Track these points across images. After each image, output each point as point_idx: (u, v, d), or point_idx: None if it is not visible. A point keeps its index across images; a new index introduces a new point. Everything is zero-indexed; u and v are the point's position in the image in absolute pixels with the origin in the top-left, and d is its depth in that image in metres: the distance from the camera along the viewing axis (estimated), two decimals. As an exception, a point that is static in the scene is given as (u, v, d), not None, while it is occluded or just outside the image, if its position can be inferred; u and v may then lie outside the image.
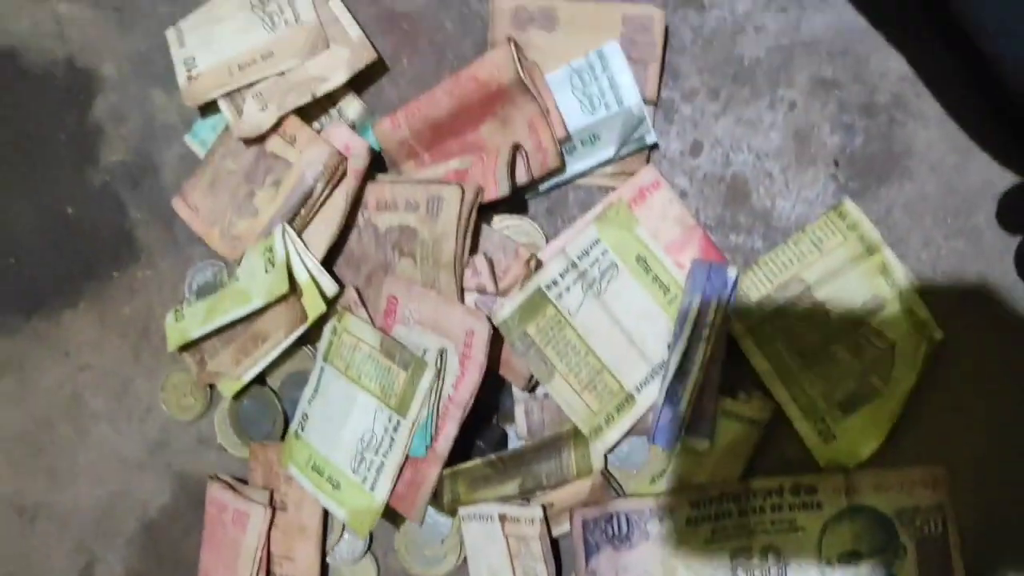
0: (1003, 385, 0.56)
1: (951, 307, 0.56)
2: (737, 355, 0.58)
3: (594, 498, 0.58)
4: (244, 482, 0.66)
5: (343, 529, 0.64)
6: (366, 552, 0.64)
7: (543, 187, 0.61)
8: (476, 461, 0.57)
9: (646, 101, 0.59)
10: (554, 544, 0.59)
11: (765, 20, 0.59)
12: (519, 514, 0.58)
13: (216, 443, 0.68)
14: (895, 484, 0.54)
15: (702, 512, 0.55)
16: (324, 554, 0.64)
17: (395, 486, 0.58)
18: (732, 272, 0.54)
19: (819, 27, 0.58)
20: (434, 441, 0.56)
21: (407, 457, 0.57)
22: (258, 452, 0.65)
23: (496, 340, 0.57)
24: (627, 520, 0.55)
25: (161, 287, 0.69)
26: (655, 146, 0.59)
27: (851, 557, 0.55)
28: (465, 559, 0.62)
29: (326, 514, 0.64)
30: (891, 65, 0.58)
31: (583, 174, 0.60)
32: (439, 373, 0.56)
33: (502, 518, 0.58)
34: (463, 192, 0.56)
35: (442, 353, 0.56)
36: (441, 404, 0.56)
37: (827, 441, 0.56)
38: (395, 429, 0.57)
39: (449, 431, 0.56)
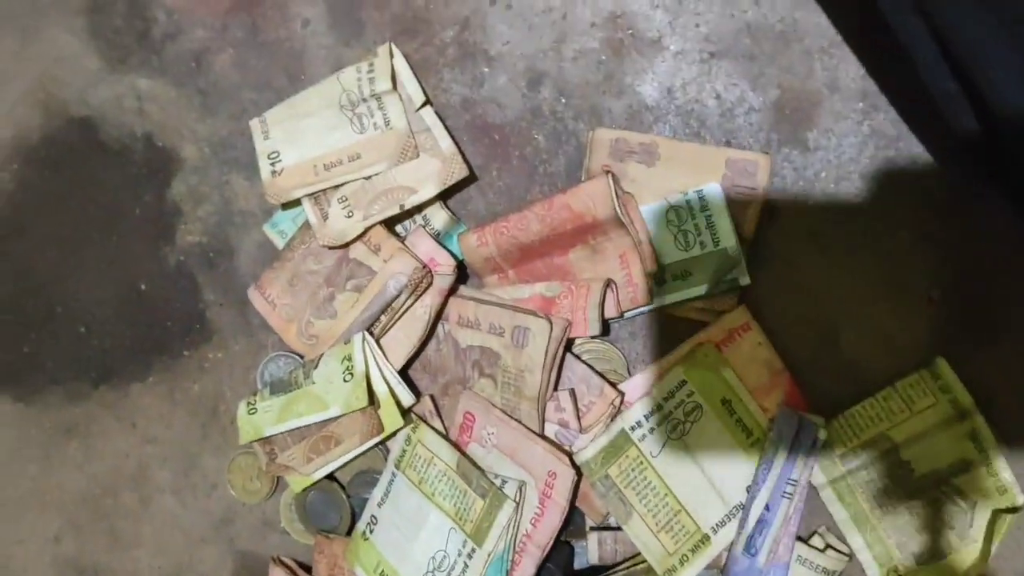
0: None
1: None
2: (814, 499, 0.56)
3: (663, 632, 0.57)
4: (307, 568, 0.65)
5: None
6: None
7: (629, 314, 0.59)
8: None
9: (742, 239, 0.56)
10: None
11: (871, 167, 0.56)
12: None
13: (280, 527, 0.67)
14: None
15: None
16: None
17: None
18: (822, 435, 0.53)
19: (929, 172, 0.55)
20: (509, 573, 0.55)
21: (484, 584, 0.56)
22: (323, 545, 0.64)
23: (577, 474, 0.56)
24: None
25: (232, 370, 0.67)
26: (746, 286, 0.57)
27: None
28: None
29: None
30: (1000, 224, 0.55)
31: (670, 305, 0.58)
32: (518, 507, 0.55)
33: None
34: (551, 327, 0.55)
35: (521, 488, 0.55)
36: (518, 540, 0.55)
37: None
38: (469, 556, 0.56)
39: (525, 569, 0.56)
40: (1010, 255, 0.55)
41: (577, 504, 0.58)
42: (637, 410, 0.56)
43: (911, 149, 0.56)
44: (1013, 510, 0.54)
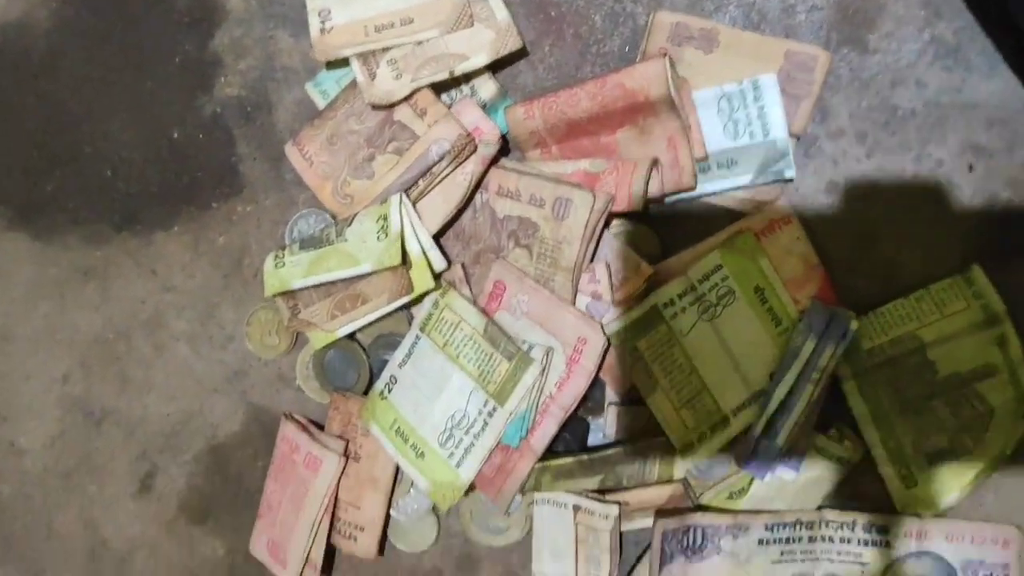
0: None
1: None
2: (834, 391, 0.56)
3: (671, 504, 0.57)
4: (319, 426, 0.64)
5: (411, 484, 0.62)
6: (430, 510, 0.63)
7: (669, 199, 0.57)
8: (567, 459, 0.56)
9: (791, 134, 0.55)
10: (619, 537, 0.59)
11: (927, 75, 0.55)
12: (594, 508, 0.57)
13: (295, 384, 0.65)
14: (967, 536, 0.54)
15: (775, 535, 0.55)
16: (390, 505, 0.62)
17: (482, 468, 0.55)
18: (853, 325, 0.52)
19: (982, 93, 0.55)
20: (530, 435, 0.55)
21: (498, 443, 0.55)
22: (339, 402, 0.63)
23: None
24: (702, 534, 0.55)
25: (260, 224, 0.65)
26: (790, 180, 0.55)
27: None
28: (527, 534, 0.61)
29: (397, 469, 0.62)
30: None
31: (712, 194, 0.56)
32: (544, 371, 0.54)
33: (576, 508, 0.58)
34: (594, 199, 0.53)
35: (549, 352, 0.54)
36: (542, 401, 0.54)
37: (908, 487, 0.55)
38: (490, 414, 0.55)
39: (547, 429, 0.55)
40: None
41: (601, 375, 0.57)
42: (671, 289, 0.55)
43: (969, 60, 0.55)
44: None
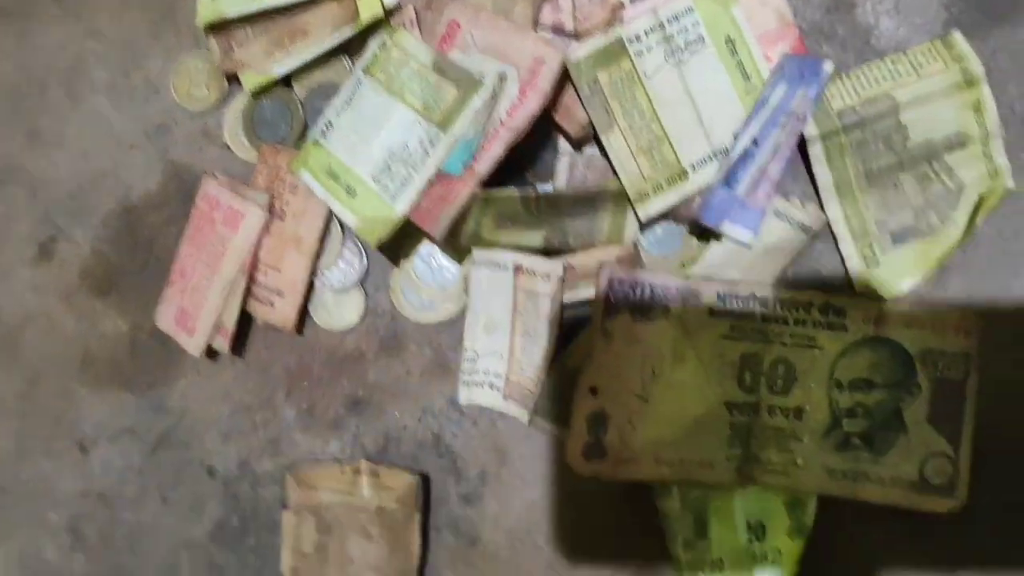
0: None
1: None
2: (797, 164, 0.52)
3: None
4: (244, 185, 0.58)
5: (340, 252, 0.56)
6: (358, 283, 0.57)
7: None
8: (512, 191, 0.50)
9: None
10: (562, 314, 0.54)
11: None
12: (536, 267, 0.52)
13: (222, 141, 0.60)
14: (926, 323, 0.50)
15: (727, 306, 0.50)
16: (313, 273, 0.57)
17: (421, 201, 0.50)
18: (828, 67, 0.48)
19: None
20: (475, 160, 0.49)
21: (440, 173, 0.50)
22: (267, 155, 0.57)
23: (560, 82, 0.49)
24: (651, 291, 0.50)
25: (200, -35, 0.59)
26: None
27: (863, 385, 0.50)
28: (460, 313, 0.55)
29: (324, 231, 0.56)
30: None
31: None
32: (495, 95, 0.49)
33: (517, 268, 0.52)
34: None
35: (502, 76, 0.49)
36: (490, 127, 0.49)
37: (869, 266, 0.51)
38: (431, 143, 0.50)
39: (494, 152, 0.49)
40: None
41: (557, 119, 0.52)
42: (639, 24, 0.51)
43: None
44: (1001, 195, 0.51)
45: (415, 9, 0.55)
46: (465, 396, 0.56)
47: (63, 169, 0.62)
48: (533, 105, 0.49)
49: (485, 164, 0.50)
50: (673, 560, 0.52)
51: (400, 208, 0.51)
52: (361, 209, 0.52)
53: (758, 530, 0.52)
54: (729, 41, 0.51)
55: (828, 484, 0.52)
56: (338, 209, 0.53)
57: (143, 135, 0.61)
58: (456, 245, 0.53)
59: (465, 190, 0.50)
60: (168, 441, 0.61)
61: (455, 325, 0.57)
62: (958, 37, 0.51)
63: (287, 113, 0.58)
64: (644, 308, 0.51)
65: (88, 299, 0.62)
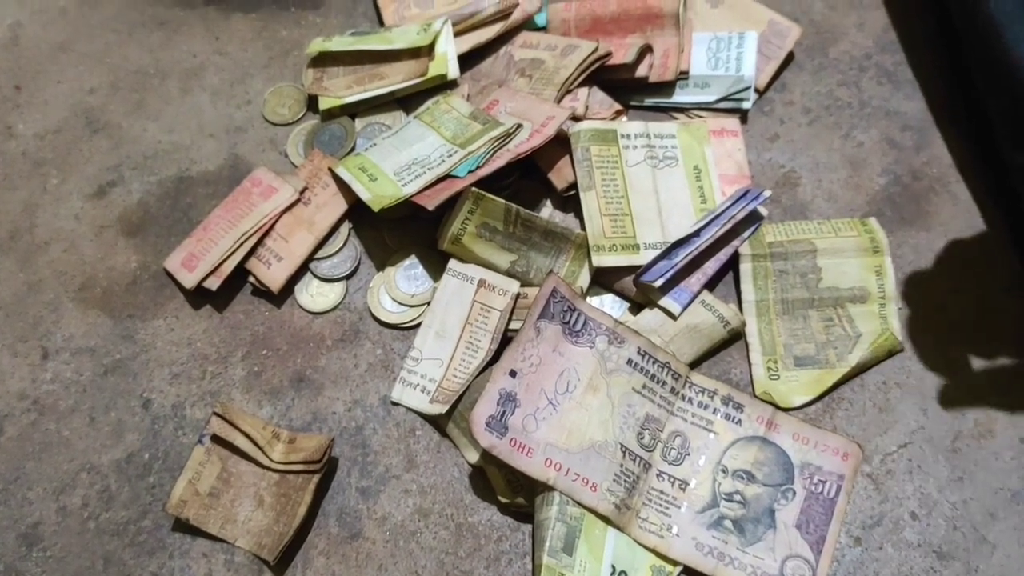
0: (943, 406, 0.57)
1: (922, 328, 0.58)
2: (731, 279, 0.59)
3: (562, 310, 0.57)
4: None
5: (339, 247, 0.63)
6: (343, 279, 0.63)
7: (648, 101, 0.65)
8: (500, 200, 0.57)
9: (755, 89, 0.65)
10: (504, 336, 0.58)
11: (868, 87, 0.66)
12: (497, 283, 0.57)
13: (283, 149, 0.69)
14: (811, 439, 0.54)
15: (644, 363, 0.54)
16: (312, 256, 0.63)
17: (425, 189, 0.57)
18: (767, 192, 0.58)
19: (905, 106, 0.65)
20: (479, 169, 0.57)
21: (449, 176, 0.58)
22: (315, 157, 0.65)
23: (557, 152, 0.59)
24: (584, 322, 0.55)
25: (320, 32, 0.73)
26: (744, 119, 0.64)
27: (745, 476, 0.53)
28: (418, 325, 0.60)
29: (335, 227, 0.63)
30: (944, 152, 0.64)
31: (682, 108, 0.65)
32: (509, 133, 0.58)
33: (481, 283, 0.58)
34: (597, 46, 0.62)
35: (519, 125, 0.59)
36: (498, 152, 0.58)
37: (770, 378, 0.56)
38: (449, 155, 0.58)
39: (496, 164, 0.57)
40: (952, 176, 0.63)
41: (549, 176, 0.61)
42: (632, 127, 0.61)
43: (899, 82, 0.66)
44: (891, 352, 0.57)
45: (467, 88, 0.67)
46: (398, 393, 0.58)
47: (149, 136, 0.71)
48: (537, 141, 0.57)
49: (485, 170, 0.57)
50: (535, 567, 0.51)
51: (408, 190, 0.58)
52: (376, 189, 0.59)
53: None
54: (696, 169, 0.61)
55: (694, 557, 0.52)
56: (358, 188, 0.60)
57: (223, 130, 0.71)
58: (442, 236, 0.58)
59: (465, 184, 0.56)
60: (121, 368, 0.62)
61: (409, 337, 0.61)
62: (874, 221, 0.61)
63: (344, 137, 0.67)
64: (574, 332, 0.55)
65: (115, 235, 0.67)
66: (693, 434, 0.54)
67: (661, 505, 0.52)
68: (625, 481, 0.51)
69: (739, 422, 0.54)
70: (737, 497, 0.52)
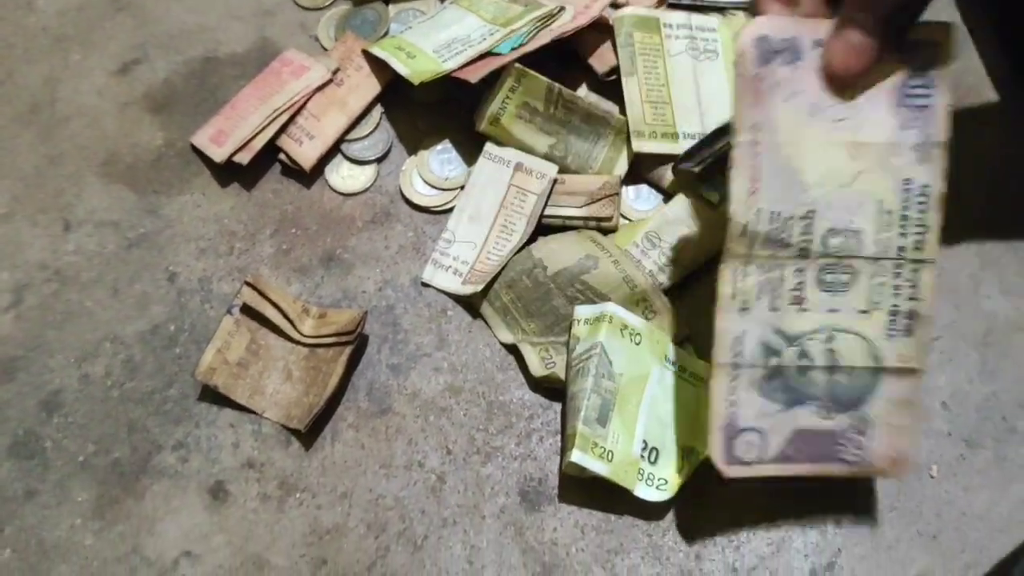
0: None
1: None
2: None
3: (601, 194, 0.56)
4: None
5: (372, 129, 0.61)
6: (375, 161, 0.61)
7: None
8: (543, 77, 0.55)
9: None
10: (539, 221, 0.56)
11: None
12: (535, 166, 0.56)
13: (313, 33, 0.66)
14: None
15: None
16: (343, 137, 0.61)
17: (467, 64, 0.55)
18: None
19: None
20: (522, 47, 0.55)
21: (490, 53, 0.56)
22: (348, 39, 0.63)
23: (599, 34, 0.57)
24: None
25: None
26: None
27: None
28: (450, 210, 0.59)
29: (368, 108, 0.61)
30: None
31: (719, 7, 0.63)
32: (552, 15, 0.56)
33: (518, 166, 0.56)
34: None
35: (561, 7, 0.57)
36: (540, 32, 0.56)
37: None
38: (491, 34, 0.56)
39: (539, 42, 0.55)
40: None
41: (590, 61, 0.59)
42: (675, 17, 0.59)
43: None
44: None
45: (509, -15, 0.64)
46: (429, 274, 0.57)
47: (174, 16, 0.68)
48: (581, 21, 0.56)
49: (530, 47, 0.55)
50: (568, 434, 0.50)
51: (449, 65, 0.56)
52: (416, 67, 0.57)
53: (651, 453, 0.51)
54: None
55: None
56: (396, 64, 0.57)
57: (251, 13, 0.68)
58: (480, 116, 0.56)
59: (508, 60, 0.55)
60: (146, 242, 0.60)
61: (441, 221, 0.60)
62: None
63: (377, 21, 0.65)
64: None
65: (140, 112, 0.65)
66: None
67: None
68: None
69: None
70: None
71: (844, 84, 0.40)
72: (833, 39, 0.39)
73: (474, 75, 0.53)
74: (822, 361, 0.43)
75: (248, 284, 0.55)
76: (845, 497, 0.51)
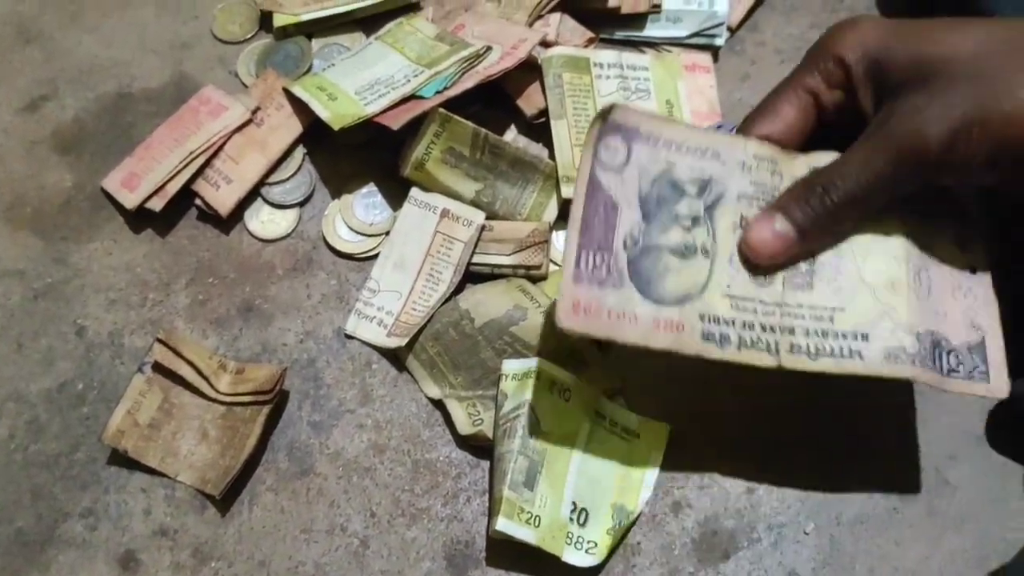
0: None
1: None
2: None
3: (531, 241, 0.53)
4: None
5: (293, 172, 0.58)
6: (296, 206, 0.58)
7: (618, 35, 0.61)
8: (468, 122, 0.52)
9: (728, 28, 0.61)
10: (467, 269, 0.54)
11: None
12: (462, 212, 0.53)
13: (232, 68, 0.63)
14: None
15: None
16: (263, 181, 0.57)
17: (389, 109, 0.52)
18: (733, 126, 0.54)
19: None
20: (446, 90, 0.52)
21: (414, 96, 0.53)
22: (269, 76, 0.60)
23: (528, 74, 0.55)
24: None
25: (277, -56, 0.66)
26: (715, 57, 0.61)
27: None
28: (375, 256, 0.56)
29: (289, 150, 0.58)
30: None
31: (652, 43, 0.61)
32: (478, 54, 0.54)
33: (444, 213, 0.54)
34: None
35: (487, 49, 0.54)
36: (466, 74, 0.53)
37: None
38: (415, 75, 0.54)
39: (464, 84, 0.52)
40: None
41: (518, 103, 0.56)
42: (605, 56, 0.57)
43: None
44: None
45: (431, 12, 0.62)
46: (352, 325, 0.54)
47: (85, 48, 0.64)
48: (509, 63, 0.53)
49: (454, 92, 0.53)
50: (495, 498, 0.48)
51: (370, 109, 0.53)
52: (336, 109, 0.54)
53: (581, 515, 0.48)
54: (668, 103, 0.58)
55: None
56: (316, 107, 0.54)
57: (168, 46, 0.64)
58: (405, 161, 0.53)
59: (430, 104, 0.52)
60: (53, 292, 0.57)
61: (366, 268, 0.57)
62: None
63: (300, 57, 0.61)
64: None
65: (48, 152, 0.61)
66: None
67: None
68: None
69: None
70: None
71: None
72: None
73: (396, 121, 0.50)
74: None
75: (160, 341, 0.51)
76: (779, 556, 0.49)
